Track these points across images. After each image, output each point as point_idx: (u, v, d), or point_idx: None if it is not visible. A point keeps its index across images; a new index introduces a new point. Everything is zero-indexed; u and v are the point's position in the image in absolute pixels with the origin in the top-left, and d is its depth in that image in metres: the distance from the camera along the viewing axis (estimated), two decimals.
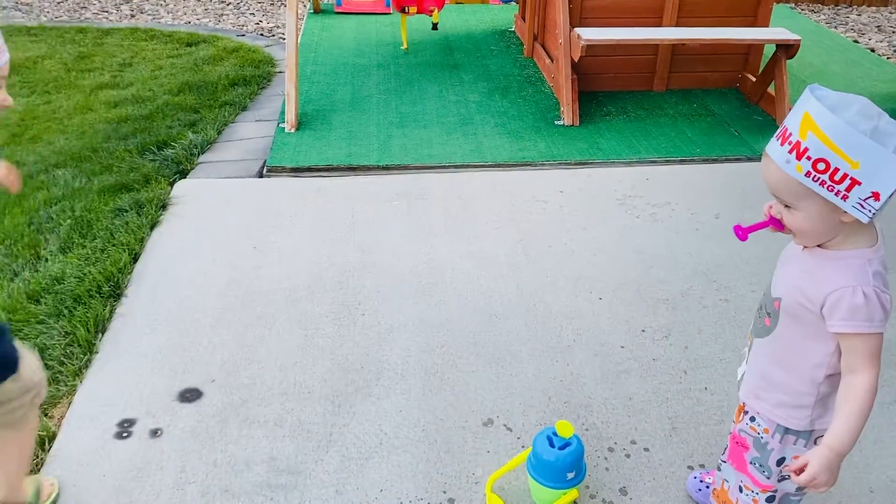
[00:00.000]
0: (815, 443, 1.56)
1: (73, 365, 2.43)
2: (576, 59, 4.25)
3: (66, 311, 2.66)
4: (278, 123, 4.26)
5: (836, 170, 1.25)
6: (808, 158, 1.26)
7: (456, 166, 3.84)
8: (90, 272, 2.85)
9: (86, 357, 2.47)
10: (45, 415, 2.25)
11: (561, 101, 4.41)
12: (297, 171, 3.78)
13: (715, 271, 2.98)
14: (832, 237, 1.37)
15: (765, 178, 1.37)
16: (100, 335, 2.58)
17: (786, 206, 1.37)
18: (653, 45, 4.62)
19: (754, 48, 4.77)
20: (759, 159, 3.92)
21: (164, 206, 3.40)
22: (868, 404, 1.38)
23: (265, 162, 3.85)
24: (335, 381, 2.41)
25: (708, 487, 1.97)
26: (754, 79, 4.67)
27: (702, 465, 2.11)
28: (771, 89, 4.47)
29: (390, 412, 2.29)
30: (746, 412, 1.64)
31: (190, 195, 3.53)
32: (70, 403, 2.30)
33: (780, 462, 1.58)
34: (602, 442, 2.18)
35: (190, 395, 2.34)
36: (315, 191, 3.59)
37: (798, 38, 4.24)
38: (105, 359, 2.48)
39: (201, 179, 3.70)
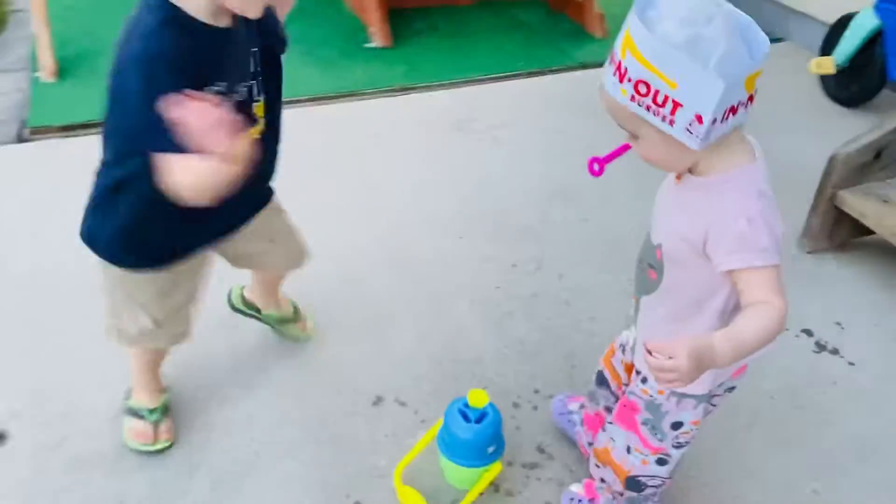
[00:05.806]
0: (712, 405, 1.45)
1: None
2: None
3: None
4: (32, 72, 3.45)
5: (657, 91, 1.07)
6: (630, 80, 1.09)
7: None
8: None
9: None
10: None
11: (369, 20, 3.99)
12: (69, 129, 3.08)
13: (569, 191, 2.85)
14: (691, 163, 1.19)
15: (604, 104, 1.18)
16: None
17: (632, 135, 1.18)
18: None
19: None
20: (580, 68, 3.85)
21: None
22: (771, 327, 1.12)
23: (24, 122, 3.10)
24: (175, 388, 1.96)
25: (572, 413, 1.84)
26: None
27: None
28: None
29: (258, 413, 1.92)
30: (638, 372, 1.46)
31: None
32: None
33: (677, 426, 1.43)
34: (505, 398, 1.98)
35: None
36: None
37: None
38: None
39: None
